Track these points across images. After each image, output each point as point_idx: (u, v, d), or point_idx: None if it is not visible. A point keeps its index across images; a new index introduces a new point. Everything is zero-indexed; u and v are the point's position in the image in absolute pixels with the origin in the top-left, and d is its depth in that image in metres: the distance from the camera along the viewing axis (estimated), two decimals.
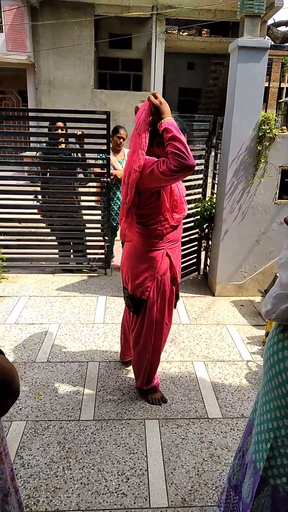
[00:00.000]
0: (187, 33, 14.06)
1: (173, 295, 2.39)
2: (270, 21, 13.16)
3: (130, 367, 2.76)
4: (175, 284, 2.37)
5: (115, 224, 4.47)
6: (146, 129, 1.96)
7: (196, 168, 4.19)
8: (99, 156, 4.26)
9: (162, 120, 1.90)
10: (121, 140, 4.27)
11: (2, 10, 11.77)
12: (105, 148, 4.16)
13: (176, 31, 13.80)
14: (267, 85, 13.60)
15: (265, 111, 3.61)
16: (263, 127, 3.46)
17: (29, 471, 2.00)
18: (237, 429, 2.30)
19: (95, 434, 2.24)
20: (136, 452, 2.13)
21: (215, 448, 2.17)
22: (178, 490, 1.91)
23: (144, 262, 2.22)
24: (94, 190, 4.65)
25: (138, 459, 2.09)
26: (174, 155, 1.83)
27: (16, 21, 11.84)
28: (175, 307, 2.48)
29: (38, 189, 4.56)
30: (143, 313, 2.32)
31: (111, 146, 4.23)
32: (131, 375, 2.75)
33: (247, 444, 1.39)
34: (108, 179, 4.18)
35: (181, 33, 13.95)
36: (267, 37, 12.50)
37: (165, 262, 2.23)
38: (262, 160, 3.57)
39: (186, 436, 2.24)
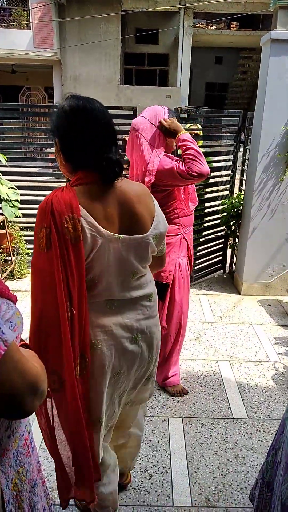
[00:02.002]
0: (215, 27, 13.86)
1: (189, 278, 2.51)
2: None
3: None
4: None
5: None
6: (162, 144, 2.16)
7: (224, 164, 4.14)
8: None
9: (179, 135, 2.13)
10: None
11: (30, 7, 11.90)
12: None
13: (204, 25, 13.63)
14: None
15: None
16: None
17: (53, 465, 2.01)
18: (263, 431, 2.25)
19: None
20: (159, 450, 2.11)
21: (240, 449, 2.13)
22: (202, 490, 1.89)
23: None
24: None
25: (161, 456, 2.07)
26: (192, 161, 2.06)
27: (43, 19, 11.95)
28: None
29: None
30: (167, 298, 2.41)
31: None
32: None
33: (280, 443, 1.37)
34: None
35: (209, 26, 13.76)
36: None
37: (183, 246, 2.37)
38: None
39: (210, 435, 2.21)
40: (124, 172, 1.33)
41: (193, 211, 2.41)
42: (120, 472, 1.78)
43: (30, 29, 12.09)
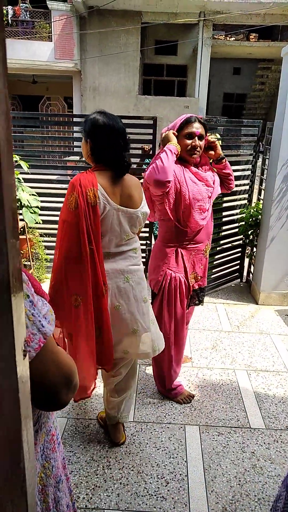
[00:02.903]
0: (234, 38, 13.94)
1: (186, 300, 2.37)
2: None
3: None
4: (189, 288, 2.35)
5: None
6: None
7: (243, 173, 4.15)
8: (147, 161, 4.30)
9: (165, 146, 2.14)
10: None
11: (52, 20, 12.21)
12: (151, 153, 4.19)
13: (223, 36, 13.73)
14: None
15: None
16: None
17: (70, 467, 2.03)
18: (281, 441, 2.22)
19: (135, 436, 2.24)
20: (176, 457, 2.11)
21: (257, 459, 2.11)
22: (219, 499, 1.87)
23: (158, 257, 2.34)
24: None
25: (178, 464, 2.07)
26: (150, 168, 2.09)
27: (65, 31, 12.23)
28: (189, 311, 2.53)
29: None
30: (157, 309, 2.35)
31: None
32: None
33: None
34: None
35: (228, 38, 13.86)
36: None
37: (179, 260, 2.28)
38: None
39: (228, 444, 2.20)
40: None
41: (197, 231, 2.26)
42: (114, 422, 2.18)
43: (51, 41, 12.39)
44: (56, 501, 1.02)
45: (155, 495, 1.89)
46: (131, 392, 2.21)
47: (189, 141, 2.13)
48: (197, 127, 2.14)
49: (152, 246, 2.43)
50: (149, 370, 2.83)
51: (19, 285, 0.53)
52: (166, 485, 1.94)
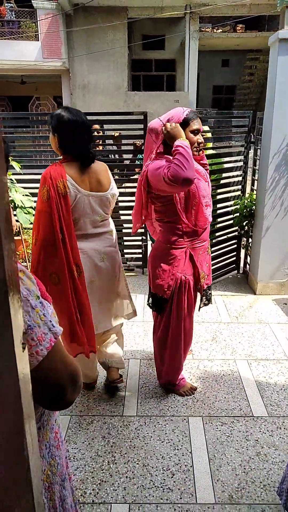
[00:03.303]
0: (221, 30, 13.91)
1: (195, 299, 2.35)
2: None
3: None
4: (198, 288, 2.32)
5: None
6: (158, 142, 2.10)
7: (235, 164, 4.16)
8: (140, 156, 4.29)
9: (176, 141, 2.00)
10: None
11: (38, 19, 12.13)
12: (143, 148, 4.19)
13: (210, 28, 13.69)
14: None
15: None
16: None
17: (75, 464, 2.05)
18: (284, 428, 2.24)
19: (139, 430, 2.26)
20: (180, 449, 2.12)
21: (261, 446, 2.12)
22: (225, 487, 1.89)
23: (164, 260, 2.21)
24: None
25: (183, 455, 2.08)
26: (176, 166, 1.91)
27: (51, 29, 12.16)
28: (199, 309, 2.48)
29: None
30: (166, 313, 2.30)
31: None
32: None
33: None
34: None
35: (215, 30, 13.82)
36: None
37: (187, 261, 2.21)
38: None
39: (231, 433, 2.22)
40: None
41: (205, 229, 2.22)
42: (107, 366, 2.52)
43: (38, 40, 12.32)
44: (62, 499, 1.03)
45: (161, 487, 1.90)
46: (120, 344, 2.60)
47: (195, 138, 2.08)
48: (199, 123, 2.10)
49: (152, 248, 2.34)
50: (150, 364, 2.85)
51: (15, 283, 0.53)
52: (172, 477, 1.96)
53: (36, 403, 0.83)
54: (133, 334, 3.25)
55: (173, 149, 1.98)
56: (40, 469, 0.92)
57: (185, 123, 2.06)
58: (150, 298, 2.37)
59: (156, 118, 2.14)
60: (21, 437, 0.48)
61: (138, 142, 4.23)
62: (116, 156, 4.43)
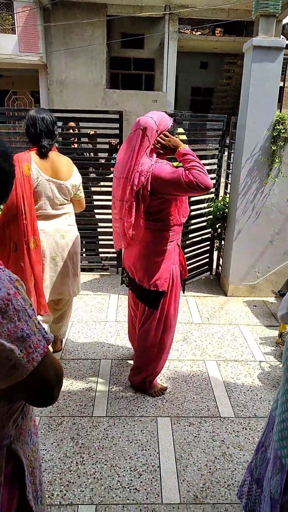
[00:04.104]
0: (200, 33, 14.03)
1: (179, 284, 2.47)
2: (285, 20, 13.03)
3: None
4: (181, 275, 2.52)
5: None
6: (150, 146, 2.13)
7: (209, 167, 4.21)
8: (115, 155, 4.28)
9: (179, 149, 2.13)
10: None
11: (14, 12, 11.89)
12: (118, 147, 4.18)
13: (189, 30, 13.78)
14: (282, 85, 13.55)
15: (280, 111, 3.59)
16: (278, 127, 3.45)
17: (44, 465, 2.03)
18: (250, 429, 2.30)
19: (108, 430, 2.26)
20: (148, 449, 2.14)
21: (227, 446, 2.17)
22: (190, 487, 1.93)
23: (160, 256, 2.29)
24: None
25: (150, 455, 2.11)
26: (200, 173, 2.01)
27: (28, 23, 11.93)
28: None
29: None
30: (162, 305, 2.36)
31: None
32: None
33: (269, 440, 1.41)
34: None
35: (194, 32, 13.93)
36: (282, 37, 12.37)
37: (177, 252, 2.39)
38: (277, 160, 3.55)
39: (198, 434, 2.26)
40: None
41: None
42: (54, 338, 2.80)
43: (15, 33, 12.07)
44: (40, 482, 1.08)
45: (128, 488, 1.92)
46: (67, 320, 2.98)
47: None
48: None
49: (140, 247, 2.32)
50: (121, 364, 2.86)
51: None
52: (139, 477, 1.98)
53: (25, 401, 0.92)
54: (106, 334, 3.25)
55: (182, 158, 2.10)
56: (26, 459, 0.98)
57: (170, 131, 2.18)
58: (144, 297, 2.38)
59: (146, 116, 2.13)
60: None
61: (114, 141, 4.22)
62: (91, 154, 4.41)
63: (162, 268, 2.29)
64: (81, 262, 4.60)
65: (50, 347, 0.86)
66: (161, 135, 2.13)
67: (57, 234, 2.54)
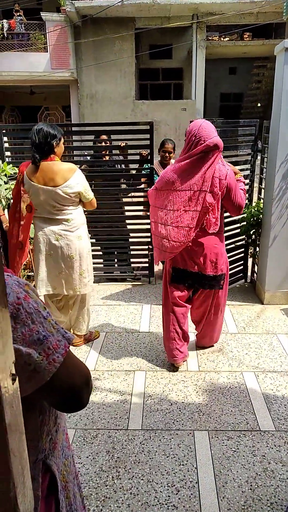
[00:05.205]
0: (228, 38, 13.96)
1: None
2: None
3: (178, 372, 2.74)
4: None
5: None
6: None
7: (242, 173, 4.13)
8: (146, 166, 4.29)
9: (238, 175, 2.78)
10: (167, 154, 4.28)
11: (47, 31, 12.32)
12: (149, 158, 4.19)
13: (217, 37, 13.75)
14: None
15: None
16: None
17: (79, 479, 2.02)
18: None
19: (144, 444, 2.22)
20: (185, 464, 2.08)
21: (268, 462, 2.08)
22: (231, 505, 1.85)
23: (224, 247, 2.81)
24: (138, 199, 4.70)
25: (188, 470, 2.04)
26: (242, 199, 2.65)
27: (60, 41, 12.33)
28: None
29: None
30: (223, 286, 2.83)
31: (159, 159, 4.29)
32: (179, 385, 2.71)
33: None
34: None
35: (222, 39, 13.88)
36: None
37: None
38: None
39: (238, 448, 2.17)
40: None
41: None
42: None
43: (47, 52, 12.50)
44: (74, 496, 1.06)
45: (166, 504, 1.86)
46: (83, 318, 3.17)
47: None
48: None
49: (215, 241, 2.72)
50: (156, 376, 2.82)
51: (3, 296, 0.52)
52: (177, 493, 1.92)
53: (54, 408, 0.90)
54: (139, 345, 3.22)
55: (239, 182, 2.72)
56: (31, 505, 0.94)
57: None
58: (213, 282, 2.75)
59: (214, 136, 2.45)
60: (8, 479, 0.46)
61: (144, 152, 4.24)
62: (123, 166, 4.44)
63: (225, 256, 2.81)
64: (113, 273, 4.65)
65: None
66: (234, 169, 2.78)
67: (52, 235, 2.82)
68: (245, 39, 13.92)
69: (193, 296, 2.88)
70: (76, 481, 1.11)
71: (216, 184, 2.49)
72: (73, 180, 2.73)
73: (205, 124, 2.48)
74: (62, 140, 2.79)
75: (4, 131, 4.22)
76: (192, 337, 3.23)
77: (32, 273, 4.27)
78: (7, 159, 4.55)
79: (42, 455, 0.90)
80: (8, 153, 4.78)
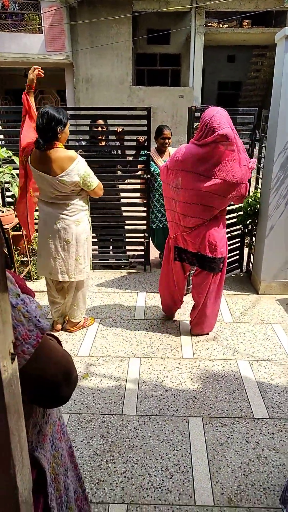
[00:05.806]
0: (227, 25, 13.76)
1: None
2: None
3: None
4: None
5: (154, 227, 4.41)
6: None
7: None
8: (143, 153, 4.23)
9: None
10: (166, 140, 4.21)
11: (41, 12, 12.01)
12: (146, 144, 4.14)
13: (216, 23, 13.54)
14: None
15: None
16: None
17: (79, 471, 2.03)
18: (285, 431, 2.22)
19: (138, 429, 2.24)
20: (179, 449, 2.11)
21: (262, 448, 2.11)
22: (224, 490, 1.87)
23: (224, 233, 2.90)
24: (135, 186, 4.65)
25: (182, 456, 2.07)
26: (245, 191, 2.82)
27: (55, 22, 12.05)
28: None
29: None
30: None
31: (155, 146, 4.23)
32: (174, 371, 2.73)
33: None
34: (148, 176, 4.17)
35: (221, 25, 13.68)
36: None
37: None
38: None
39: (231, 435, 2.20)
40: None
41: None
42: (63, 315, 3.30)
43: (42, 33, 12.21)
44: (66, 488, 1.05)
45: (159, 488, 1.89)
46: (77, 304, 3.17)
47: None
48: None
49: (214, 229, 2.83)
50: (150, 363, 2.83)
51: (3, 283, 0.51)
52: (171, 478, 1.94)
53: (31, 403, 0.83)
54: (134, 332, 3.23)
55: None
56: (49, 466, 0.95)
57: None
58: (213, 265, 2.86)
59: (224, 126, 2.49)
60: (8, 456, 0.45)
61: (141, 138, 4.18)
62: (119, 151, 4.38)
63: (224, 241, 2.88)
64: (108, 260, 4.63)
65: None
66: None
67: (51, 217, 2.84)
68: (244, 26, 13.71)
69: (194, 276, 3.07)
70: (70, 473, 1.08)
71: (223, 177, 2.63)
72: (71, 169, 2.68)
73: (218, 114, 2.52)
74: (68, 125, 2.72)
75: None
76: (187, 326, 3.25)
77: (26, 259, 4.24)
78: (0, 142, 4.47)
79: (29, 448, 0.86)
80: (1, 136, 4.70)
